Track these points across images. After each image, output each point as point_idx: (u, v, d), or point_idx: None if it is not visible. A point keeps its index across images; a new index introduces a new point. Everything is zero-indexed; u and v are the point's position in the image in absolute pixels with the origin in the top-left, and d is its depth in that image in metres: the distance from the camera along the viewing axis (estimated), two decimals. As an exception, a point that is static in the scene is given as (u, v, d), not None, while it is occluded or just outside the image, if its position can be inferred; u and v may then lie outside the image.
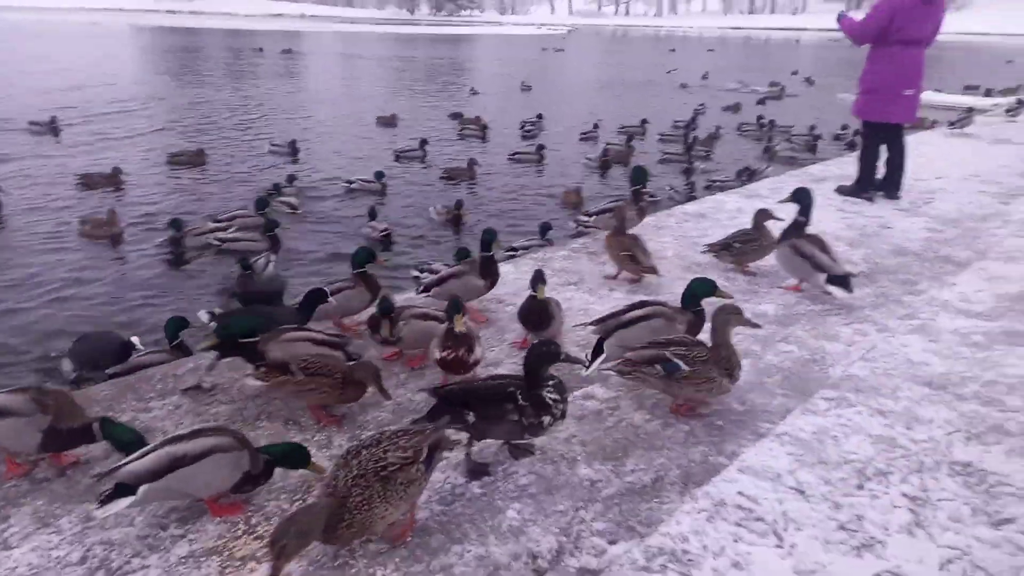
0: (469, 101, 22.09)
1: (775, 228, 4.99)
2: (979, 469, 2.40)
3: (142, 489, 2.35)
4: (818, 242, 4.54)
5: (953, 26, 66.40)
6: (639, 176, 5.83)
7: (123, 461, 2.44)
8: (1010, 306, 3.72)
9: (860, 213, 6.61)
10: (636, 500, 2.55)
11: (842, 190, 7.28)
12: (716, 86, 26.21)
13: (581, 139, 15.23)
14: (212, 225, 8.13)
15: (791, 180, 8.09)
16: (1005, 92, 18.48)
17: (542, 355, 2.64)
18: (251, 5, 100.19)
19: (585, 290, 4.79)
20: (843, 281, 4.35)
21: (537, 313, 3.66)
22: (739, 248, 5.09)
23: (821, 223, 6.21)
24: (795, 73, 29.91)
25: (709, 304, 3.42)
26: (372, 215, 8.78)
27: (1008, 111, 13.45)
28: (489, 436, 2.74)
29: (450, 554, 2.28)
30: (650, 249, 5.66)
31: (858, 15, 6.94)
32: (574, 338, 3.92)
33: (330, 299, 3.93)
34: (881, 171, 7.11)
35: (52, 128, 14.31)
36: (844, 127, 14.80)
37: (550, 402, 2.61)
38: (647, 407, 3.18)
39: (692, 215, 6.72)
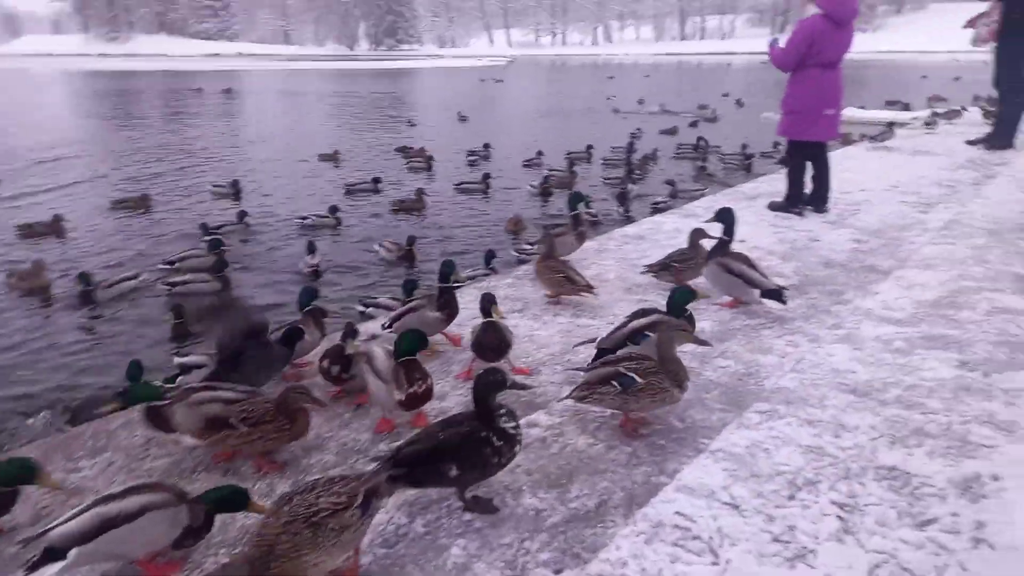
0: (407, 133, 22.24)
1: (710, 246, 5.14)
2: (903, 472, 2.51)
3: (72, 553, 2.26)
4: (744, 259, 4.70)
5: (871, 45, 70.17)
6: (575, 201, 5.97)
7: (50, 524, 2.36)
8: (928, 312, 3.91)
9: (791, 228, 6.85)
10: (580, 526, 2.57)
11: (773, 206, 7.55)
12: (645, 111, 26.96)
13: (524, 166, 15.45)
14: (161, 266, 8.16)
15: (725, 199, 8.35)
16: (932, 103, 19.35)
17: (489, 384, 2.61)
18: (186, 46, 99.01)
19: (530, 316, 4.83)
20: (776, 294, 4.51)
21: (496, 340, 3.60)
22: (677, 267, 5.23)
23: (755, 238, 6.44)
24: (726, 95, 30.96)
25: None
26: (311, 249, 8.75)
27: (926, 124, 14.18)
28: (470, 484, 2.63)
29: (394, 596, 2.26)
30: (592, 272, 5.79)
31: (782, 39, 7.27)
32: (575, 360, 3.95)
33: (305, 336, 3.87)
34: (809, 186, 7.41)
35: None
36: (776, 145, 15.38)
37: (512, 432, 2.60)
38: (590, 431, 3.22)
39: (632, 237, 6.86)
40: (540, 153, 16.02)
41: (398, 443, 2.69)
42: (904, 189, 8.34)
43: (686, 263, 5.18)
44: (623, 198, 11.13)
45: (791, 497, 2.35)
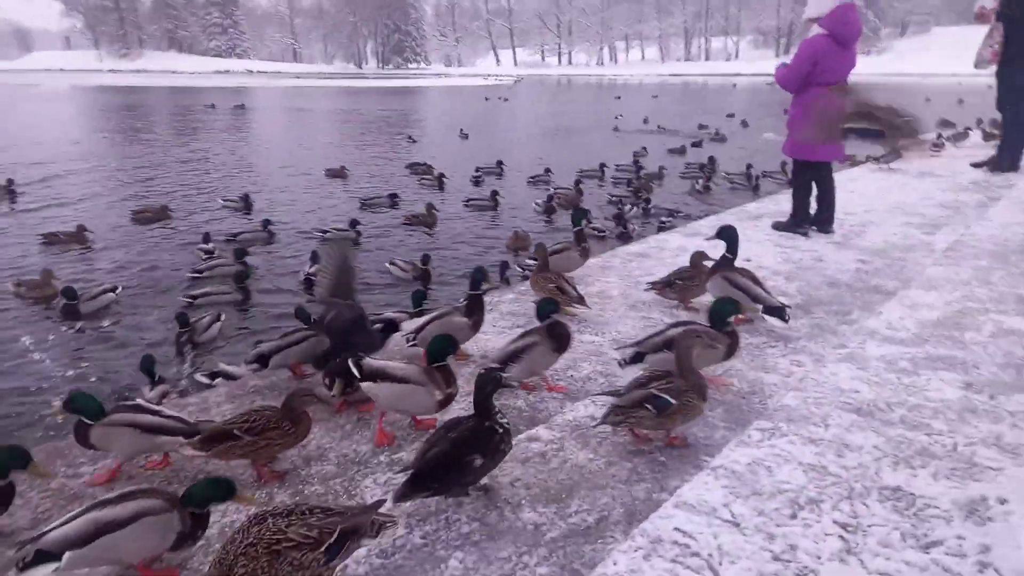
0: (408, 149, 22.41)
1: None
2: (907, 493, 2.48)
3: (67, 556, 2.26)
4: (749, 275, 4.70)
5: (875, 68, 70.58)
6: (579, 217, 6.00)
7: (47, 528, 2.35)
8: (932, 332, 3.89)
9: (796, 247, 6.85)
10: (580, 542, 2.55)
11: (778, 226, 7.55)
12: (646, 130, 27.10)
13: (530, 183, 15.54)
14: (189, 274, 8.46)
15: (730, 218, 8.37)
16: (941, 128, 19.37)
17: (489, 382, 2.73)
18: (196, 63, 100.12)
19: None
20: (779, 312, 4.51)
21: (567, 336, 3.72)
22: (681, 285, 5.24)
23: (760, 258, 6.44)
24: (731, 116, 31.13)
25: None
26: (314, 259, 8.81)
27: (934, 146, 14.20)
28: (487, 473, 2.74)
29: (391, 609, 2.23)
30: (596, 288, 5.80)
31: (787, 61, 7.31)
32: (577, 376, 3.93)
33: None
34: (814, 207, 7.41)
35: (9, 191, 13.91)
36: (783, 164, 15.42)
37: (508, 425, 2.76)
38: (591, 446, 3.20)
39: (636, 255, 6.87)
40: (548, 171, 16.12)
41: (416, 456, 2.70)
42: (909, 210, 8.34)
43: (689, 281, 5.19)
44: (620, 218, 11.14)
45: (793, 516, 2.32)
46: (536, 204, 12.93)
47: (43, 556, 2.26)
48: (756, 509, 2.33)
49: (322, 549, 2.09)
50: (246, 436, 2.94)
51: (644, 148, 20.07)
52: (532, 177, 15.96)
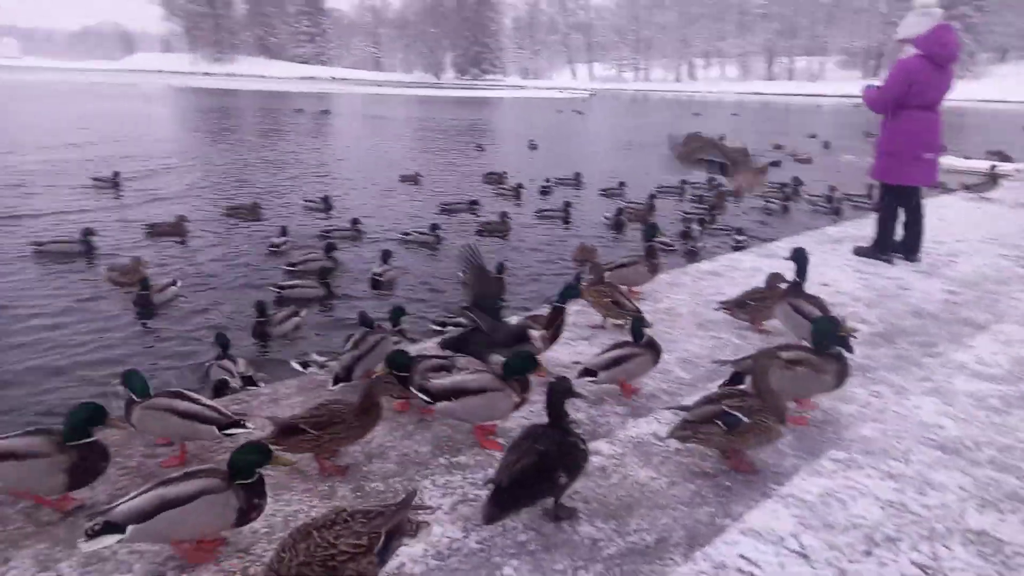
0: (476, 157, 22.66)
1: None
2: (994, 538, 2.32)
3: (130, 529, 2.36)
4: (817, 302, 4.53)
5: (972, 93, 67.20)
6: (650, 233, 5.91)
7: (117, 502, 2.46)
8: (1028, 370, 3.65)
9: (878, 274, 6.57)
10: (638, 561, 2.49)
11: (860, 251, 7.26)
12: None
13: (602, 196, 15.49)
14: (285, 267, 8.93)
15: (808, 241, 8.09)
16: None
17: (562, 392, 2.73)
18: (283, 68, 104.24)
19: (597, 344, 4.77)
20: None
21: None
22: (753, 306, 5.09)
23: (839, 283, 6.21)
24: (813, 136, 30.20)
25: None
26: (385, 259, 9.01)
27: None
28: (568, 490, 2.70)
29: (444, 611, 2.23)
30: (665, 305, 5.70)
31: (877, 83, 7.05)
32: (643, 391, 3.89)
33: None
34: (900, 233, 7.09)
35: (114, 183, 14.79)
36: (870, 188, 14.84)
37: (584, 437, 2.76)
38: (653, 464, 3.13)
39: (707, 273, 6.73)
40: (622, 184, 16.01)
41: (501, 468, 2.59)
42: (1004, 241, 7.88)
43: (762, 302, 5.04)
44: (687, 235, 10.91)
45: (867, 553, 2.21)
46: (605, 217, 12.83)
47: (110, 527, 2.37)
48: (827, 542, 2.23)
49: (375, 553, 2.11)
50: (311, 431, 3.01)
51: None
52: (604, 190, 15.89)
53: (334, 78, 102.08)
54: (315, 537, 2.09)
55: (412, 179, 17.12)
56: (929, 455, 2.79)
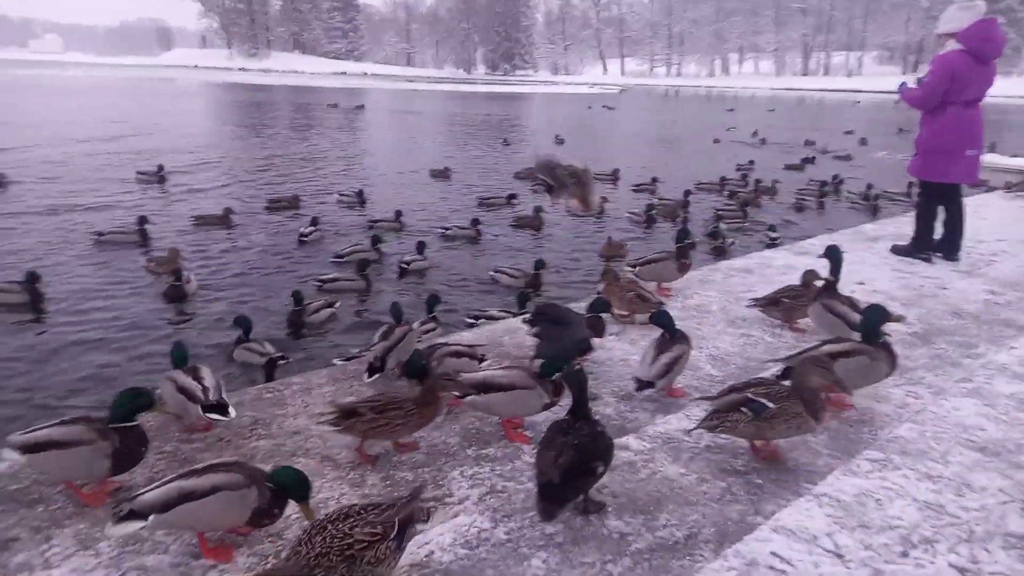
0: (501, 152, 22.65)
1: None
2: (1036, 542, 2.26)
3: (152, 518, 2.42)
4: (850, 302, 4.45)
5: (1015, 90, 65.15)
6: (684, 234, 5.89)
7: (142, 490, 2.52)
8: (1074, 373, 3.54)
9: (916, 273, 6.42)
10: (667, 556, 2.47)
11: (897, 250, 7.11)
12: (749, 142, 26.14)
13: (635, 191, 15.40)
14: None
15: (843, 239, 7.95)
16: None
17: (584, 379, 2.75)
18: (317, 64, 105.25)
19: (627, 341, 4.78)
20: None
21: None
22: (788, 304, 5.02)
23: (875, 282, 6.09)
24: (850, 132, 29.61)
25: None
26: (420, 250, 9.13)
27: None
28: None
29: (473, 600, 2.24)
30: (694, 302, 5.64)
31: (911, 80, 6.88)
32: (702, 379, 3.87)
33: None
34: (939, 231, 6.93)
35: (159, 177, 15.11)
36: (910, 185, 14.54)
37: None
38: (683, 460, 3.10)
39: (739, 270, 6.64)
40: (655, 179, 15.88)
41: (544, 465, 2.55)
42: (1048, 242, 7.65)
43: (797, 300, 4.97)
44: (715, 235, 10.71)
45: (904, 554, 2.16)
46: (632, 213, 12.72)
47: (134, 514, 2.43)
48: (863, 542, 2.19)
49: (390, 539, 2.14)
50: (369, 413, 3.05)
51: (751, 162, 19.40)
52: (636, 185, 15.80)
53: (366, 74, 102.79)
54: (330, 529, 2.11)
55: (442, 174, 17.18)
56: (968, 457, 2.72)
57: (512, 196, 13.76)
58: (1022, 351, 3.84)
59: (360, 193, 13.48)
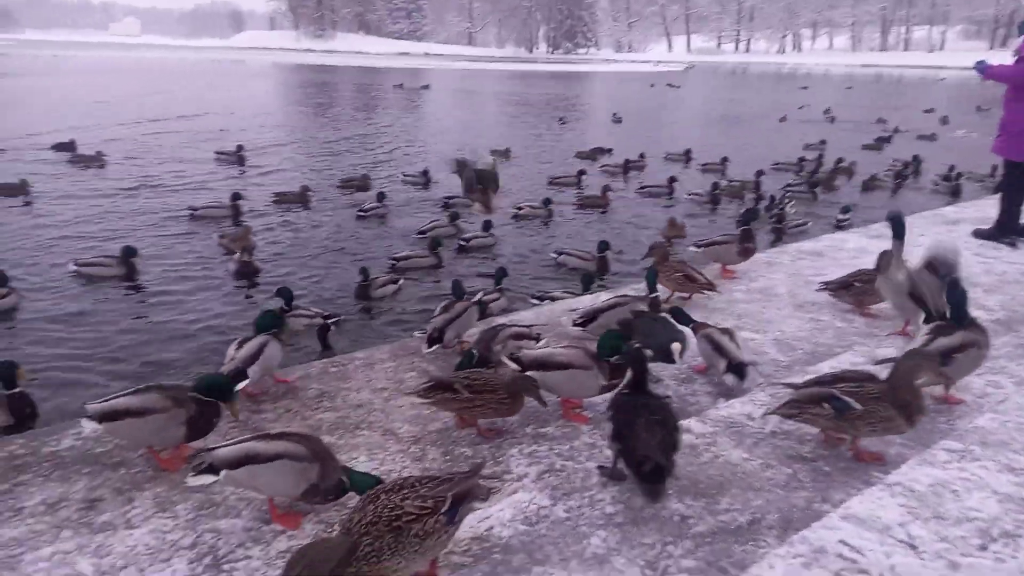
0: (556, 131, 22.45)
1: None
2: None
3: (223, 473, 2.53)
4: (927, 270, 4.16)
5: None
6: (749, 216, 5.74)
7: (219, 444, 2.64)
8: None
9: (999, 258, 6.10)
10: (729, 540, 2.43)
11: (979, 233, 6.76)
12: (818, 120, 25.08)
13: (705, 171, 15.07)
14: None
15: (923, 222, 7.60)
16: None
17: (644, 358, 2.78)
18: (380, 44, 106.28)
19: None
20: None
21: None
22: (860, 288, 4.84)
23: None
24: (930, 111, 28.12)
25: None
26: (486, 228, 9.24)
27: None
28: None
29: (531, 575, 2.26)
30: (760, 285, 5.50)
31: (993, 58, 6.47)
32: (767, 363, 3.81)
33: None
34: (1025, 215, 6.55)
35: (239, 157, 15.63)
36: (993, 168, 13.76)
37: None
38: (746, 446, 3.04)
39: (808, 253, 6.44)
40: (725, 159, 15.48)
41: (646, 445, 2.49)
42: None
43: (870, 284, 4.77)
44: (780, 217, 10.21)
45: (983, 547, 2.07)
46: (695, 194, 12.41)
47: (212, 468, 2.54)
48: (938, 534, 2.10)
49: (441, 512, 2.13)
50: (463, 392, 3.09)
51: (823, 141, 18.66)
52: (705, 164, 15.45)
53: (428, 53, 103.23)
54: (383, 499, 2.13)
55: (503, 154, 17.18)
56: (1055, 451, 2.58)
57: (582, 172, 13.68)
58: (1119, 342, 3.60)
59: (426, 172, 13.63)
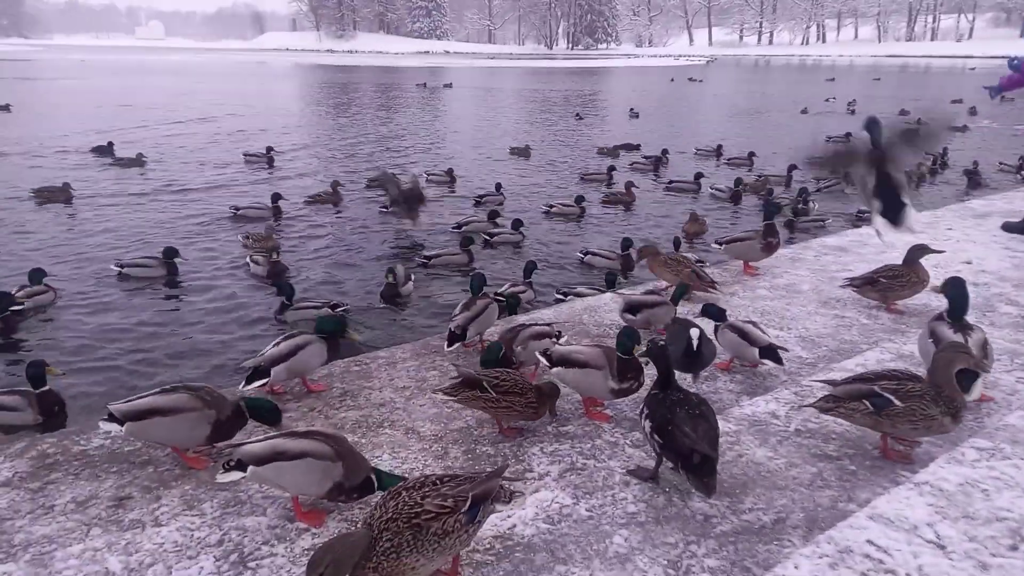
0: (574, 126, 22.35)
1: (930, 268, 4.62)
2: None
3: (250, 469, 2.56)
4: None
5: None
6: (771, 211, 5.67)
7: (247, 440, 2.67)
8: None
9: (1030, 252, 5.96)
10: (753, 540, 2.42)
11: (1009, 227, 6.62)
12: (838, 112, 24.66)
13: (729, 166, 14.98)
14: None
15: (949, 215, 7.46)
16: None
17: (666, 352, 2.80)
18: (400, 43, 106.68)
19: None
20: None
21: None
22: (885, 283, 4.76)
23: (984, 261, 5.70)
24: (958, 101, 27.56)
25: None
26: (516, 226, 9.27)
27: None
28: None
29: (553, 574, 2.26)
30: (784, 281, 5.44)
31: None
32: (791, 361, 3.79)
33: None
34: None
35: (268, 159, 15.78)
36: (1021, 158, 13.45)
37: None
38: (771, 444, 3.02)
39: (832, 248, 6.35)
40: (752, 154, 15.36)
41: (695, 441, 2.49)
42: None
43: (896, 280, 4.71)
44: (800, 212, 10.10)
45: (1013, 548, 2.03)
46: (717, 190, 12.29)
47: (241, 464, 2.58)
48: (967, 534, 2.07)
49: (461, 512, 2.13)
50: (491, 391, 3.10)
51: (848, 134, 18.39)
52: (730, 159, 15.35)
53: (447, 52, 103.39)
54: (404, 496, 2.14)
55: (522, 152, 17.14)
56: (1090, 450, 2.52)
57: (612, 168, 13.67)
58: None
59: (450, 171, 13.69)
